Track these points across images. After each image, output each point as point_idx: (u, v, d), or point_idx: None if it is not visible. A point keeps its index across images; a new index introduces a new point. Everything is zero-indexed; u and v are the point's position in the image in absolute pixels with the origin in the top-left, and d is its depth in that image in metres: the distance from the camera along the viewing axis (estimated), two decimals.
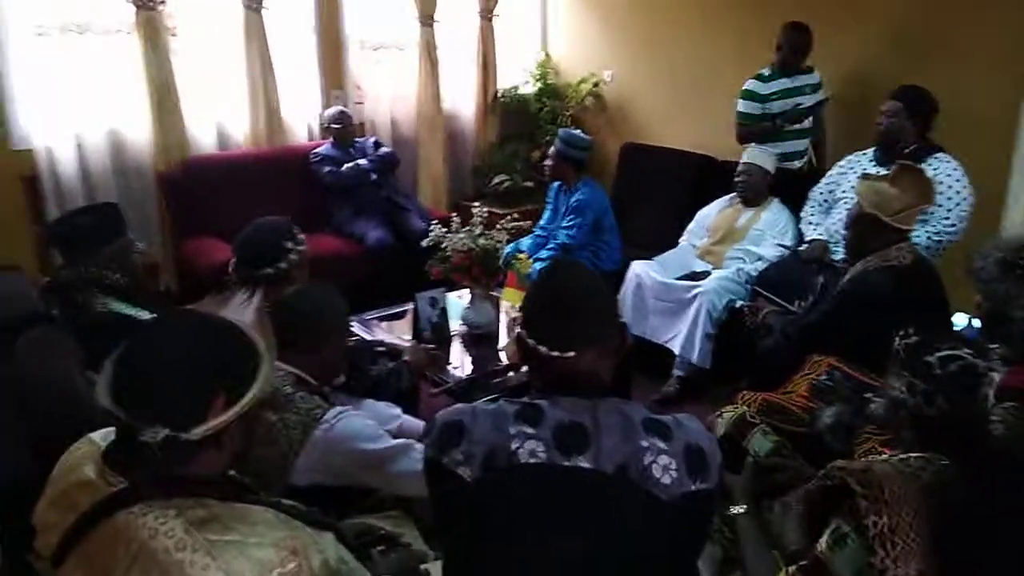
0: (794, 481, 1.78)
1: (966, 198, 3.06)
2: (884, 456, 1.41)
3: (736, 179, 3.64)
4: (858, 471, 1.35)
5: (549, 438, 1.16)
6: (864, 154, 3.36)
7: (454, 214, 3.13)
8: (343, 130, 4.47)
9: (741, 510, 1.70)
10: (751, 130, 3.88)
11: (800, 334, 2.43)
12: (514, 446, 1.16)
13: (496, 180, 5.30)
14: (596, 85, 5.48)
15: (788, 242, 3.48)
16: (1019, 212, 3.52)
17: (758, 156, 3.60)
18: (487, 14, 5.43)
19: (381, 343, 2.58)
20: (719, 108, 4.71)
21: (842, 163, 3.43)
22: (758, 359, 2.63)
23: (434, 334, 3.05)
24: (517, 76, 5.79)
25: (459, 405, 1.28)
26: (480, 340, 3.13)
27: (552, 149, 3.92)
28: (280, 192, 4.38)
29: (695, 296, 3.32)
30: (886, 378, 2.02)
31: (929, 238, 3.05)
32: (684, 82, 4.95)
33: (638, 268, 3.61)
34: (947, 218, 3.04)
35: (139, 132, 4.25)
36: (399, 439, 1.79)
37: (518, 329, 1.31)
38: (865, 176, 2.45)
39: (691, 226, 3.83)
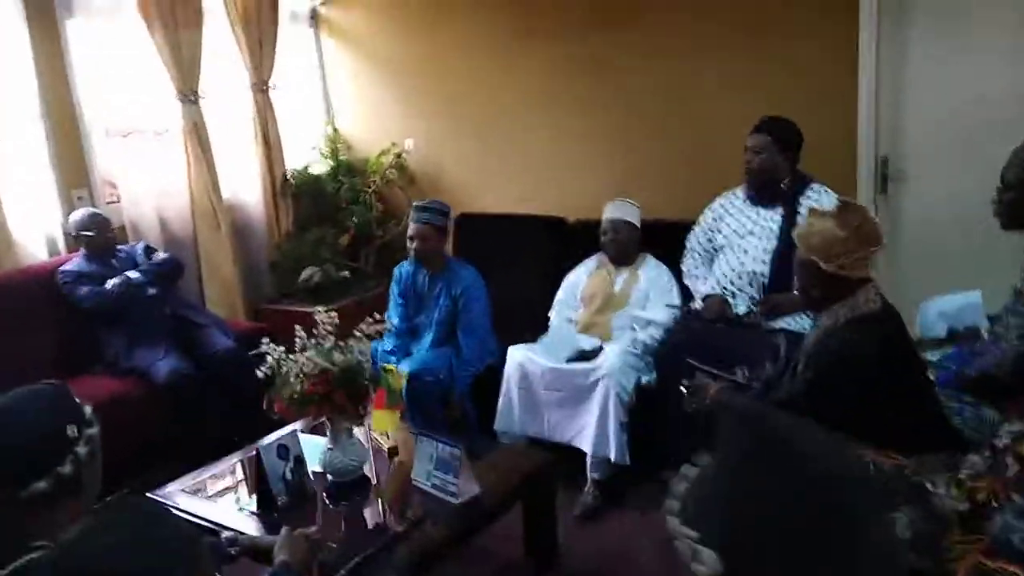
0: None
1: None
2: None
3: (604, 238, 3.22)
4: None
5: None
6: (734, 194, 3.11)
7: (298, 327, 2.34)
8: (98, 238, 3.46)
9: None
10: None
11: None
12: None
13: (305, 275, 4.48)
14: (399, 156, 4.91)
15: (676, 301, 3.10)
16: None
17: (623, 210, 3.22)
18: (261, 86, 4.67)
19: (232, 542, 1.71)
20: (540, 162, 4.38)
21: (713, 206, 3.15)
22: None
23: (291, 497, 2.22)
24: (305, 155, 5.06)
25: None
26: (351, 489, 2.34)
27: (419, 227, 3.23)
28: (21, 329, 3.26)
29: (596, 380, 2.80)
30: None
31: None
32: (495, 140, 4.55)
33: (518, 355, 3.03)
34: None
35: None
36: None
37: None
38: (811, 212, 2.10)
39: (560, 296, 3.34)
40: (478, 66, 4.51)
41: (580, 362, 2.94)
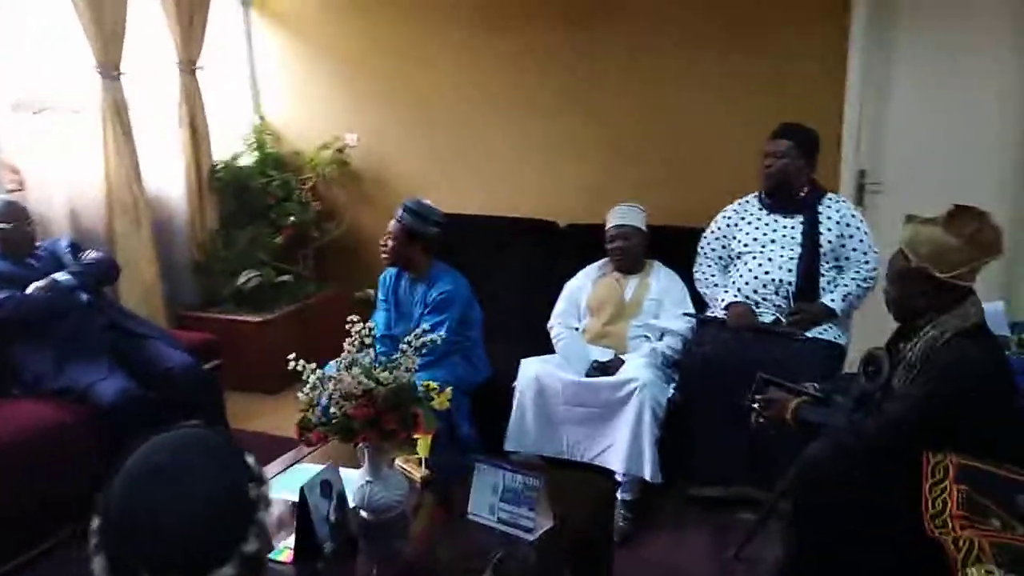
0: None
1: (868, 234, 2.87)
2: None
3: (611, 246, 3.04)
4: None
5: None
6: (747, 201, 3.04)
7: (348, 341, 1.98)
8: (14, 232, 2.88)
9: None
10: None
11: (885, 431, 1.87)
12: None
13: (242, 279, 4.00)
14: (340, 151, 4.51)
15: (691, 309, 2.98)
16: None
17: (631, 215, 3.05)
18: (189, 66, 4.15)
19: None
20: (503, 163, 4.16)
21: (727, 213, 3.05)
22: (804, 469, 2.01)
23: (337, 543, 1.87)
24: (229, 146, 4.55)
25: None
26: (390, 530, 2.02)
27: (393, 224, 2.93)
28: None
29: (628, 395, 2.62)
30: None
31: (859, 285, 2.79)
32: (452, 137, 4.29)
33: (535, 369, 2.79)
34: (867, 262, 2.81)
35: None
36: None
37: None
38: (909, 218, 2.01)
39: (561, 307, 3.12)
40: (433, 55, 4.22)
41: (599, 376, 2.74)
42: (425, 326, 2.79)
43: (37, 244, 3.00)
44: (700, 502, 2.68)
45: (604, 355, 2.86)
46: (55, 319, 2.80)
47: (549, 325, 3.11)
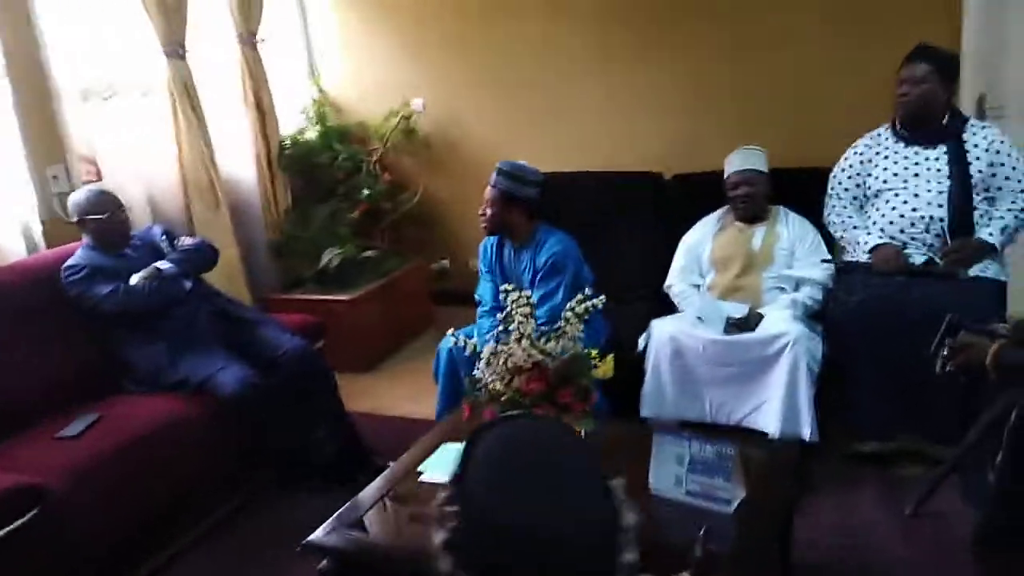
0: None
1: (1022, 161, 2.64)
2: None
3: (734, 193, 2.85)
4: None
5: None
6: (878, 135, 2.82)
7: (515, 311, 1.83)
8: (109, 222, 2.75)
9: None
10: None
11: None
12: None
13: (326, 257, 3.86)
14: (408, 118, 4.32)
15: (827, 255, 2.79)
16: None
17: (752, 158, 2.85)
18: (250, 38, 3.97)
19: None
20: (587, 115, 3.93)
21: (858, 148, 2.83)
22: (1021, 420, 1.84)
23: None
24: (291, 121, 4.39)
25: None
26: None
27: (489, 191, 2.75)
28: (18, 344, 2.54)
29: (779, 351, 2.45)
30: None
31: (1017, 217, 2.58)
32: (528, 93, 4.07)
33: (670, 329, 2.63)
34: (1022, 190, 2.59)
35: None
36: None
37: None
38: None
39: (679, 264, 2.94)
40: (502, 8, 3.99)
41: (737, 332, 2.57)
42: (539, 293, 2.67)
43: (131, 234, 2.88)
44: (858, 459, 2.51)
45: (737, 310, 2.68)
46: (164, 310, 2.68)
47: (667, 284, 2.94)
